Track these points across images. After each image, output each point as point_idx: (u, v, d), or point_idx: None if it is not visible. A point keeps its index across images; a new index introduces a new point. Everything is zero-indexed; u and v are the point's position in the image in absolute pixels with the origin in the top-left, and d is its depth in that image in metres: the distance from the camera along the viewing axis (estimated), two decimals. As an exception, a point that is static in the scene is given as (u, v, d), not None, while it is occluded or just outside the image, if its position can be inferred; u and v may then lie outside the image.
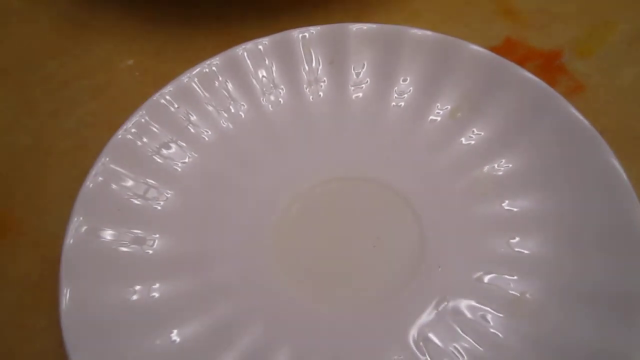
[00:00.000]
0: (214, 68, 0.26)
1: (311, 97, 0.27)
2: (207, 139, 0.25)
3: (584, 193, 0.22)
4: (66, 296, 0.20)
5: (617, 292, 0.20)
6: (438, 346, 0.20)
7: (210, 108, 0.26)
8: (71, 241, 0.21)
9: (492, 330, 0.21)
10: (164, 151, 0.25)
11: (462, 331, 0.21)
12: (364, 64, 0.27)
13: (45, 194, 0.26)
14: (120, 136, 0.24)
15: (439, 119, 0.26)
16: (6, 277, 0.24)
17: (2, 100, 0.30)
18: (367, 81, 0.27)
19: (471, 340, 0.20)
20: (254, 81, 0.27)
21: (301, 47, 0.27)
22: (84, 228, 0.22)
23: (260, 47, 0.27)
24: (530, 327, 0.20)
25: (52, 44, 0.32)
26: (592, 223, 0.22)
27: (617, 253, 0.21)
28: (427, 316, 0.21)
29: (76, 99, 0.29)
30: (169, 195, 0.24)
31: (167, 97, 0.25)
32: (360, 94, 0.27)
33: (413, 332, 0.21)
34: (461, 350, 0.20)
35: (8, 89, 0.30)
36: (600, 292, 0.20)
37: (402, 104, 0.26)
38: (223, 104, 0.26)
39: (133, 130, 0.24)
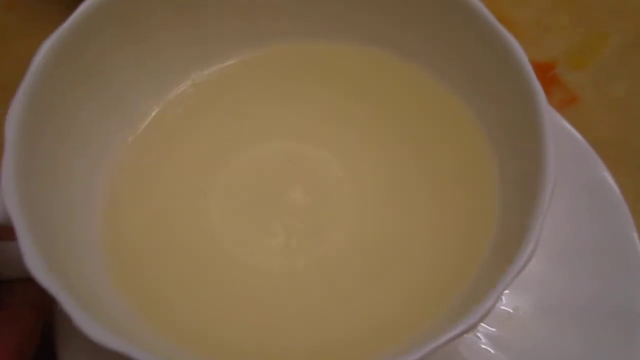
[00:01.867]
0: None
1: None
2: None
3: (575, 208, 0.22)
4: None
5: (608, 308, 0.20)
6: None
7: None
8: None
9: (483, 346, 0.21)
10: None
11: (453, 346, 0.21)
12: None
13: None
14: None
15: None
16: None
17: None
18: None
19: (463, 355, 0.20)
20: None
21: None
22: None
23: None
24: (522, 343, 0.20)
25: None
26: (585, 239, 0.22)
27: (609, 269, 0.21)
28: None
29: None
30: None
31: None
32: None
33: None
34: (452, 367, 0.20)
35: (5, 105, 0.30)
36: (592, 308, 0.20)
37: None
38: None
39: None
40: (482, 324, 0.21)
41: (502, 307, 0.21)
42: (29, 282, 0.17)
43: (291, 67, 0.22)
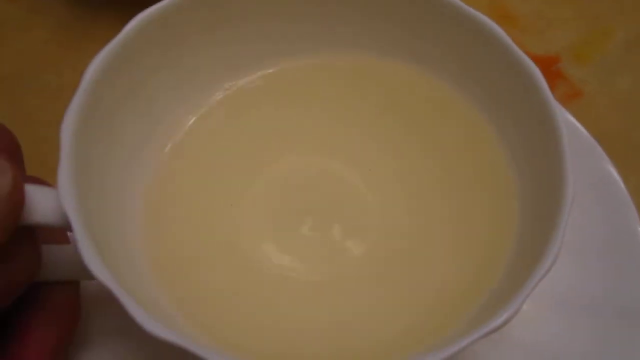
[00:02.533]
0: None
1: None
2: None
3: (581, 203, 0.22)
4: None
5: (616, 303, 0.20)
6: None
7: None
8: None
9: (492, 340, 0.21)
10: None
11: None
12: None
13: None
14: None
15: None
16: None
17: (-1, 110, 0.30)
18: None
19: (472, 349, 0.20)
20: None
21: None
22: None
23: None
24: (531, 338, 0.20)
25: (49, 54, 0.32)
26: (590, 233, 0.22)
27: (616, 264, 0.21)
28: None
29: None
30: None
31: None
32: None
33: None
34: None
35: (4, 97, 0.30)
36: (600, 303, 0.20)
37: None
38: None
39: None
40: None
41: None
42: (66, 284, 0.18)
43: (323, 80, 0.23)
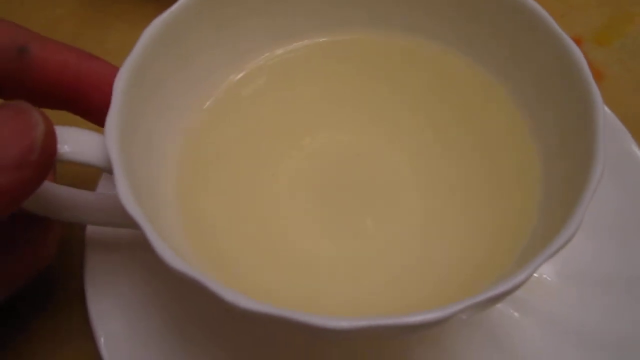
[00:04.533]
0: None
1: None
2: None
3: (603, 181, 0.23)
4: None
5: (629, 277, 0.21)
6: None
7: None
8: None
9: (509, 309, 0.21)
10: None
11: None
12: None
13: (71, 175, 0.27)
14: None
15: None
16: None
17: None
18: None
19: (488, 317, 0.21)
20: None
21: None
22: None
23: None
24: (546, 307, 0.21)
25: (73, 30, 0.32)
26: (608, 208, 0.22)
27: (631, 239, 0.21)
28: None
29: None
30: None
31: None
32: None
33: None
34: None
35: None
36: (613, 277, 0.21)
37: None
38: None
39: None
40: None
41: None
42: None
43: (371, 56, 0.23)
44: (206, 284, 0.15)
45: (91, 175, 0.24)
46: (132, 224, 0.16)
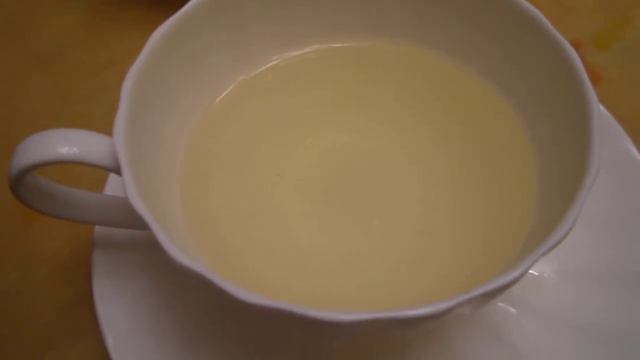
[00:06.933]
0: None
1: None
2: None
3: (599, 179, 0.23)
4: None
5: (629, 271, 0.21)
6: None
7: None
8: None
9: (507, 307, 0.21)
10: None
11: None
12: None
13: (79, 179, 0.27)
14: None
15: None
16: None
17: (38, 87, 0.31)
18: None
19: (486, 314, 0.21)
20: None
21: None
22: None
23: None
24: (546, 305, 0.21)
25: (83, 36, 0.33)
26: (606, 206, 0.22)
27: (628, 236, 0.21)
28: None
29: (107, 85, 0.31)
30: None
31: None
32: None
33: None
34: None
35: (43, 76, 0.31)
36: (614, 272, 0.21)
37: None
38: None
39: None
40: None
41: (529, 271, 0.22)
42: None
43: (369, 62, 0.24)
44: (213, 279, 0.15)
45: (100, 175, 0.25)
46: (140, 224, 0.16)
